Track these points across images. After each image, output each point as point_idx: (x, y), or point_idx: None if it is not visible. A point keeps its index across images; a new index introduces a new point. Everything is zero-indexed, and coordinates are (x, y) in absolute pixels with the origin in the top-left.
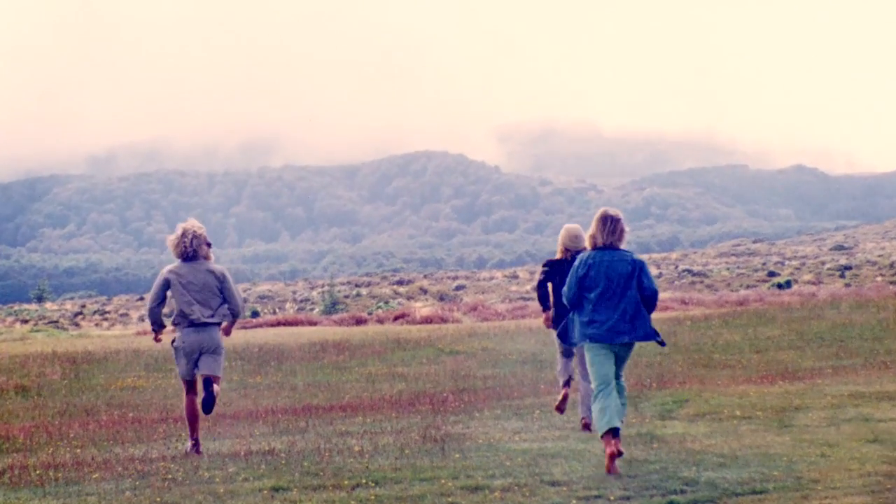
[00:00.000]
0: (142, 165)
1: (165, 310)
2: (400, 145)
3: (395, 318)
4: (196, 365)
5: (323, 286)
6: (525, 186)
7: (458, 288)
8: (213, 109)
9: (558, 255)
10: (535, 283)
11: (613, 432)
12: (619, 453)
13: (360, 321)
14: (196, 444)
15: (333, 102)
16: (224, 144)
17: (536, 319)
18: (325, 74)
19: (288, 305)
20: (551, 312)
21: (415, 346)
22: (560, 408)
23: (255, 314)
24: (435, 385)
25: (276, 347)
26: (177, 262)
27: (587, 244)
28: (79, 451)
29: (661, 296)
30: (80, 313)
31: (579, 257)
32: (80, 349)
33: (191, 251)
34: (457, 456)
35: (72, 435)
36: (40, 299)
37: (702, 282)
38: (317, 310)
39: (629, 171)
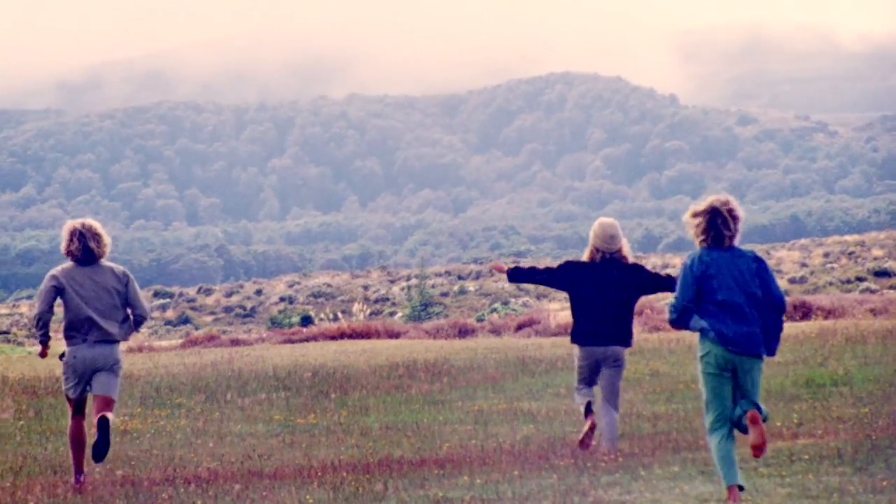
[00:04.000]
0: (136, 95)
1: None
2: (525, 65)
3: (519, 328)
4: (89, 384)
5: (409, 278)
6: (717, 126)
7: None
8: (244, 10)
9: (585, 257)
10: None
11: (739, 488)
12: None
13: (465, 331)
14: (81, 480)
15: (426, 2)
16: (261, 64)
17: None
18: None
19: (356, 308)
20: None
21: (548, 368)
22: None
23: (306, 321)
24: (579, 428)
25: (338, 371)
26: (69, 264)
27: (692, 235)
28: None
29: None
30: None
31: (690, 255)
32: (44, 373)
33: (83, 253)
34: None
35: (32, 502)
36: None
37: None
38: (400, 314)
39: (880, 103)
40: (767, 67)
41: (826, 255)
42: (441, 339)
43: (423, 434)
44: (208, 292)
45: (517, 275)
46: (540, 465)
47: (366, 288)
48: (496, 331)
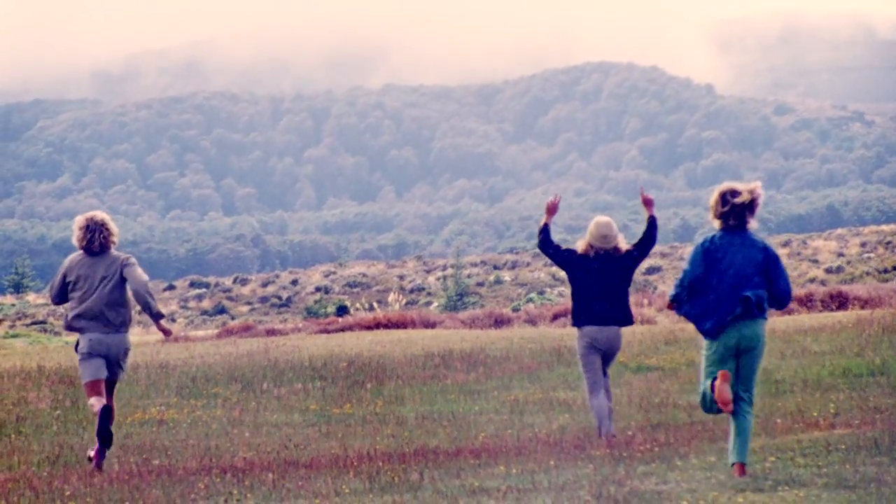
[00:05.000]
0: (172, 85)
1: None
2: (561, 54)
3: (555, 317)
4: (105, 368)
5: (445, 268)
6: (753, 115)
7: (651, 271)
8: (280, 0)
9: (580, 251)
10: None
11: (741, 467)
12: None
13: (501, 321)
14: (98, 456)
15: None
16: (297, 54)
17: (769, 319)
18: None
19: (392, 297)
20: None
21: None
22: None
23: (342, 310)
24: (615, 418)
25: (373, 361)
26: (79, 254)
27: (711, 216)
28: None
29: None
30: None
31: (703, 235)
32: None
33: (97, 245)
34: None
35: (68, 493)
36: (19, 288)
37: None
38: (436, 304)
39: None
40: (804, 56)
41: (863, 244)
42: (477, 329)
43: (458, 424)
44: (244, 282)
45: (545, 232)
46: (576, 455)
47: (401, 278)
48: (532, 320)
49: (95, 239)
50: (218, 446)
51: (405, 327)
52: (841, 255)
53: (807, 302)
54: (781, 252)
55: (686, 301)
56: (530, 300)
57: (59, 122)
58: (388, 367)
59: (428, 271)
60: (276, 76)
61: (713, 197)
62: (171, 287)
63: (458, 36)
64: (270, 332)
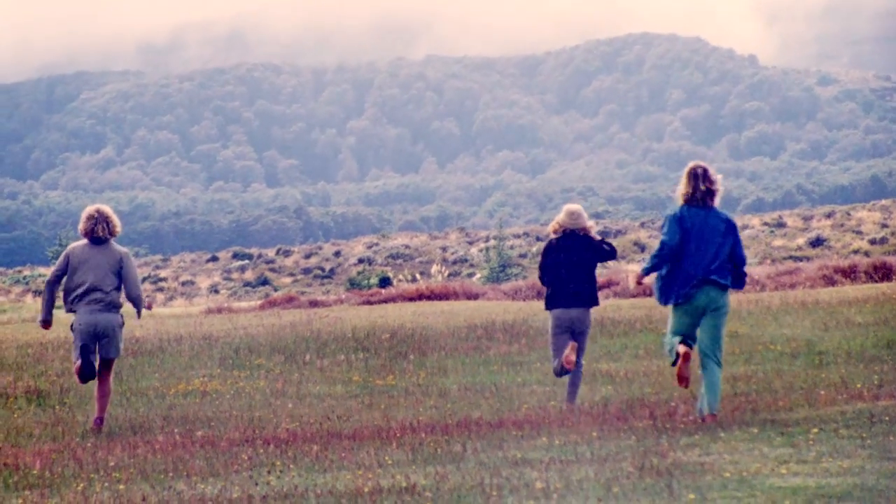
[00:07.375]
0: (215, 57)
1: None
2: (604, 25)
3: (598, 289)
4: (93, 348)
5: (487, 240)
6: (797, 86)
7: None
8: None
9: (553, 235)
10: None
11: (712, 417)
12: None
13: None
14: (99, 420)
15: None
16: (340, 25)
17: (813, 291)
18: None
19: (434, 269)
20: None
21: (627, 330)
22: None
23: (384, 282)
24: (658, 389)
25: (416, 332)
26: (83, 241)
27: (679, 200)
28: (122, 487)
29: None
30: None
31: (673, 210)
32: (124, 335)
33: (99, 234)
34: (692, 497)
35: (112, 463)
36: None
37: None
38: (478, 275)
39: None
40: (849, 27)
41: None
42: (519, 301)
43: (501, 395)
44: (287, 254)
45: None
46: (619, 427)
47: (444, 249)
48: None
49: (99, 229)
50: (261, 417)
51: (448, 299)
52: (885, 226)
53: (851, 273)
54: (825, 223)
55: (662, 279)
56: None
57: (102, 93)
58: (430, 339)
59: (470, 243)
60: (318, 48)
61: (683, 177)
62: (215, 258)
63: (501, 7)
64: (313, 304)
